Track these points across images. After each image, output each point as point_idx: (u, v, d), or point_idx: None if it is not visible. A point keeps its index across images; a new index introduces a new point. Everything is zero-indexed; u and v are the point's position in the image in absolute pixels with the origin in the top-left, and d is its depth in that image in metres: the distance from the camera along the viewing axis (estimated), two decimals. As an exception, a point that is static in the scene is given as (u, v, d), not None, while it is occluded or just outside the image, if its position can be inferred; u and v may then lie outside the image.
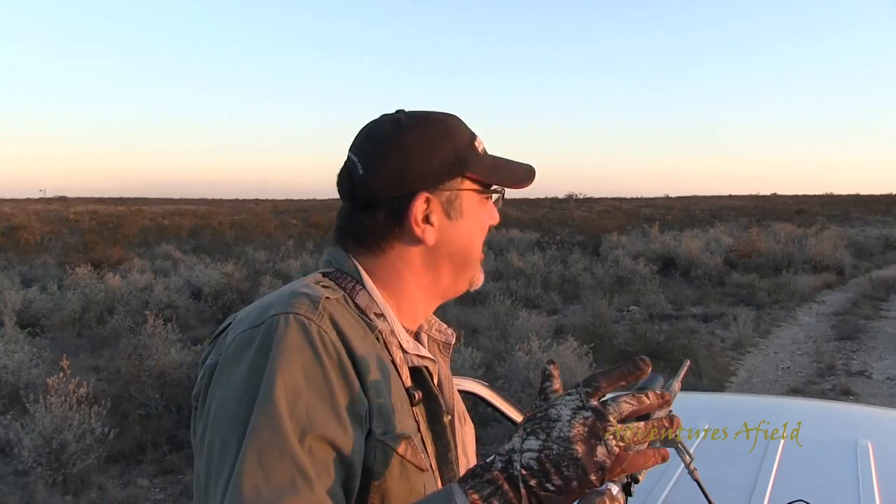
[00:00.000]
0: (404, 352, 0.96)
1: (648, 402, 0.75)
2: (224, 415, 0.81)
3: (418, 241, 0.97)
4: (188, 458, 5.12)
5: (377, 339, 0.93)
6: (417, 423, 0.94)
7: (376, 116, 1.03)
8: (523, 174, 1.06)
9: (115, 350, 7.97)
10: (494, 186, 1.04)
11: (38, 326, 9.11)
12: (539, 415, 0.72)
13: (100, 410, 4.95)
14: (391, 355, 0.94)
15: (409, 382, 0.94)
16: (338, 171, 1.02)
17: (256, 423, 0.77)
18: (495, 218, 1.06)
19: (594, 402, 0.72)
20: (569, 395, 0.73)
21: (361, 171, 0.96)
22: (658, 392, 0.76)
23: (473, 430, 1.15)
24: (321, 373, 0.82)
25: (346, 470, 0.82)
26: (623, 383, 0.74)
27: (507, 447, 0.70)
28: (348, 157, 0.99)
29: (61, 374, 4.93)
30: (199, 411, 0.86)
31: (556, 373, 0.80)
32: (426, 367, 0.98)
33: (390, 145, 0.96)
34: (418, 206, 0.96)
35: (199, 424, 0.85)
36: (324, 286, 0.93)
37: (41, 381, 5.63)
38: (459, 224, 1.00)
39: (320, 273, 0.98)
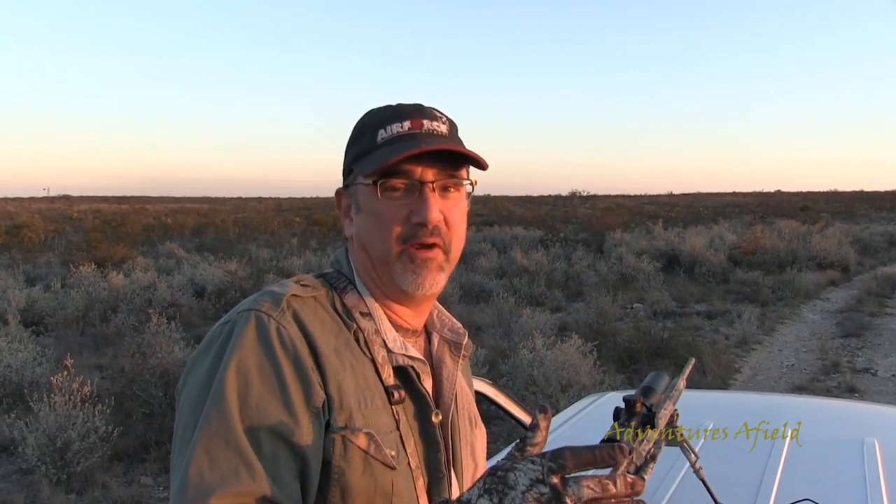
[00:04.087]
0: (389, 351, 0.97)
1: (614, 490, 0.66)
2: (186, 405, 0.86)
3: (347, 236, 1.04)
4: (192, 457, 5.13)
5: (356, 337, 0.95)
6: (397, 421, 0.94)
7: None
8: (379, 155, 0.95)
9: (118, 348, 7.98)
10: (370, 177, 0.96)
11: (41, 325, 9.13)
12: (500, 473, 0.67)
13: (103, 409, 4.96)
14: (371, 354, 0.95)
15: (390, 381, 0.95)
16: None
17: (207, 413, 0.82)
18: (405, 210, 0.95)
19: (555, 480, 0.65)
20: (532, 462, 0.67)
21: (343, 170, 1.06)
22: (629, 481, 0.68)
23: (485, 434, 1.15)
24: (273, 367, 0.86)
25: (301, 462, 0.84)
26: (591, 468, 0.67)
27: (463, 497, 0.66)
28: None
29: (65, 372, 4.93)
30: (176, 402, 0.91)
31: (543, 424, 0.72)
32: (412, 367, 0.98)
33: (348, 143, 1.04)
34: (340, 202, 1.05)
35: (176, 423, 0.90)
36: (303, 284, 0.96)
37: (45, 380, 5.64)
38: (360, 217, 1.00)
39: (314, 273, 1.02)
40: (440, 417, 1.00)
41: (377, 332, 0.97)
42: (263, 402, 0.84)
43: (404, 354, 0.97)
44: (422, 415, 0.98)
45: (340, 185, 1.06)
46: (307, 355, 0.88)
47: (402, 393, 0.95)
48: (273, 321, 0.88)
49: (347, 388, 0.90)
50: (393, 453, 0.91)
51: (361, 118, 1.03)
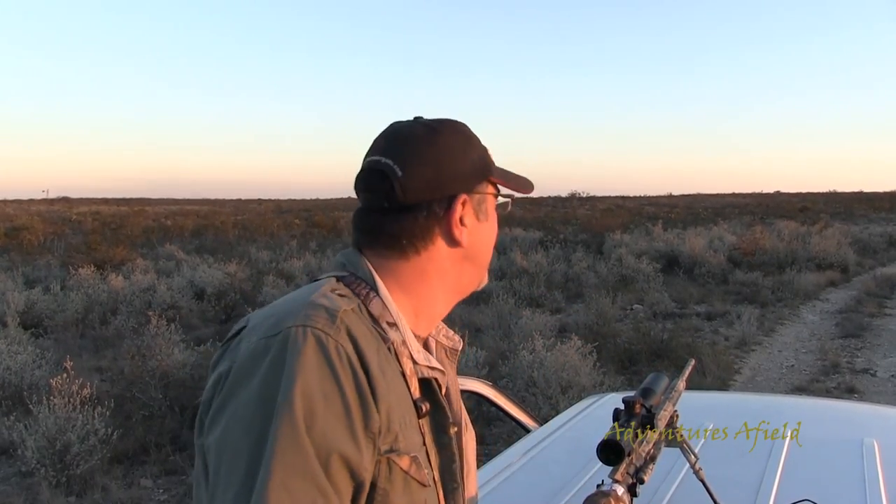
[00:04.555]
0: (414, 363, 0.94)
1: None
2: (236, 425, 0.80)
3: (455, 242, 0.99)
4: (191, 459, 5.11)
5: (389, 350, 0.91)
6: (423, 435, 0.92)
7: (393, 121, 1.03)
8: (526, 183, 1.10)
9: (118, 351, 7.98)
10: (508, 192, 1.08)
11: (41, 327, 9.13)
12: None
13: (103, 411, 4.96)
14: (401, 366, 0.92)
15: (417, 394, 0.93)
16: (358, 174, 1.00)
17: (279, 444, 0.77)
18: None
19: None
20: None
21: (400, 174, 0.95)
22: None
23: (475, 437, 1.14)
24: (338, 390, 0.81)
25: (356, 487, 0.82)
26: None
27: None
28: (377, 160, 0.97)
29: (64, 374, 4.93)
30: (210, 416, 0.85)
31: None
32: (435, 379, 0.97)
33: (426, 148, 0.97)
34: (458, 208, 0.98)
35: (208, 430, 0.84)
36: (340, 295, 0.91)
37: (44, 383, 5.64)
38: (485, 226, 1.03)
39: (334, 277, 0.95)
40: (456, 429, 0.99)
41: (404, 342, 0.94)
42: (331, 429, 0.80)
43: (428, 366, 0.96)
44: (440, 427, 0.96)
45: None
46: (363, 376, 0.84)
47: (428, 406, 0.94)
48: (332, 340, 0.84)
49: (393, 409, 0.87)
50: (426, 471, 0.91)
51: (457, 124, 1.03)
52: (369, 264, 0.97)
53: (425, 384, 0.95)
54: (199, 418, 0.89)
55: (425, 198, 0.96)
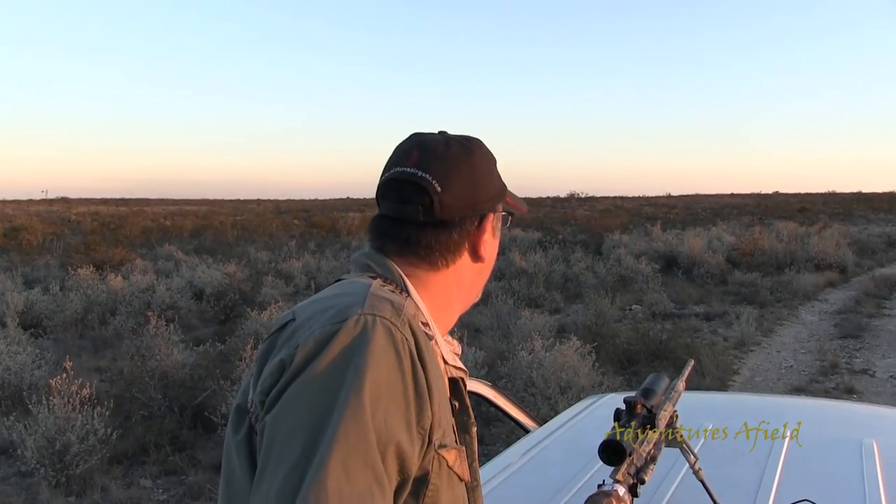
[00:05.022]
0: (445, 362, 0.97)
1: None
2: (298, 405, 0.80)
3: (479, 258, 1.04)
4: (190, 459, 5.13)
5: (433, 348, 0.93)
6: (455, 433, 0.94)
7: (417, 132, 1.05)
8: (524, 203, 1.17)
9: (117, 351, 7.99)
10: (512, 210, 1.13)
11: (40, 328, 9.12)
12: None
13: (102, 411, 4.95)
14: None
15: (448, 394, 0.95)
16: (386, 182, 1.01)
17: (344, 426, 0.77)
18: None
19: None
20: None
21: (440, 189, 0.97)
22: None
23: (475, 438, 1.16)
24: (401, 381, 0.83)
25: (401, 482, 0.83)
26: None
27: None
28: (413, 173, 0.98)
29: (64, 375, 4.93)
30: (270, 398, 0.83)
31: None
32: (462, 379, 0.99)
33: (465, 168, 1.01)
34: (489, 226, 1.04)
35: (267, 410, 0.82)
36: (391, 291, 0.93)
37: (44, 383, 5.64)
38: (495, 242, 1.08)
39: (373, 276, 0.97)
40: (475, 428, 1.02)
41: (436, 342, 0.96)
42: (391, 418, 0.81)
43: (455, 366, 0.99)
44: (463, 426, 0.98)
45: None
46: (421, 371, 0.85)
47: (457, 405, 0.96)
48: (398, 331, 0.85)
49: (440, 404, 0.89)
50: (466, 465, 0.93)
51: (482, 143, 1.06)
52: (398, 269, 0.99)
53: (452, 384, 0.98)
54: (233, 415, 0.89)
55: (459, 215, 1.00)
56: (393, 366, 0.82)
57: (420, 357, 0.86)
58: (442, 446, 0.87)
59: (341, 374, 0.80)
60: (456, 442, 0.93)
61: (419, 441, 0.84)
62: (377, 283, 0.94)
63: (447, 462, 0.88)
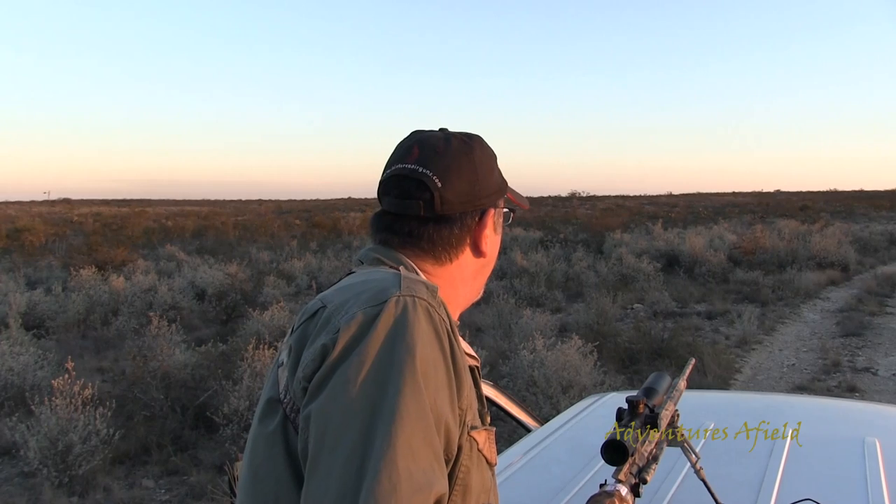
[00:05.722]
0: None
1: None
2: (349, 390, 0.78)
3: (481, 253, 1.05)
4: (193, 459, 5.13)
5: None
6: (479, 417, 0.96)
7: (417, 129, 1.07)
8: (525, 199, 1.18)
9: (119, 351, 8.00)
10: (514, 206, 1.15)
11: (43, 328, 9.14)
12: None
13: (105, 412, 4.96)
14: None
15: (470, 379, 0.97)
16: (388, 179, 1.02)
17: (405, 405, 0.76)
18: None
19: None
20: None
21: (440, 185, 0.99)
22: None
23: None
24: (442, 360, 0.83)
25: (446, 459, 0.83)
26: None
27: None
28: (414, 169, 1.00)
29: (66, 375, 4.94)
30: (313, 385, 0.82)
31: None
32: (477, 367, 1.00)
33: (464, 164, 1.02)
34: (490, 221, 1.05)
35: (310, 398, 0.81)
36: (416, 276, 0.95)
37: (46, 383, 5.65)
38: (497, 238, 1.09)
39: (389, 266, 0.98)
40: (490, 418, 1.02)
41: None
42: (440, 397, 0.80)
43: (469, 354, 0.99)
44: (479, 414, 0.98)
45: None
46: (457, 351, 0.86)
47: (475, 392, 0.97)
48: (436, 312, 0.86)
49: (469, 387, 0.90)
50: (495, 448, 0.94)
51: (483, 140, 1.07)
52: (411, 262, 1.00)
53: (470, 372, 0.99)
54: (262, 408, 0.89)
55: (460, 210, 1.01)
56: (435, 345, 0.83)
57: (454, 338, 0.87)
58: (473, 428, 0.88)
59: (391, 354, 0.79)
60: (483, 424, 0.94)
61: (459, 420, 0.85)
62: (403, 269, 0.95)
63: (478, 444, 0.89)
